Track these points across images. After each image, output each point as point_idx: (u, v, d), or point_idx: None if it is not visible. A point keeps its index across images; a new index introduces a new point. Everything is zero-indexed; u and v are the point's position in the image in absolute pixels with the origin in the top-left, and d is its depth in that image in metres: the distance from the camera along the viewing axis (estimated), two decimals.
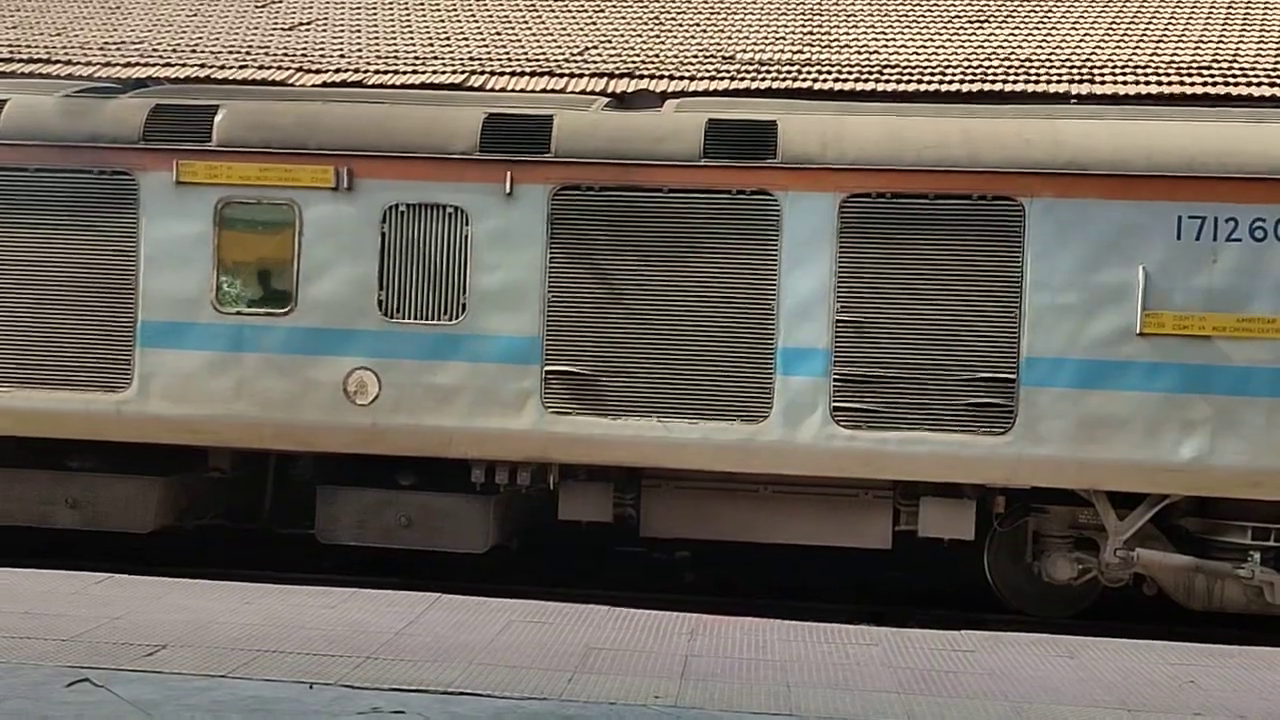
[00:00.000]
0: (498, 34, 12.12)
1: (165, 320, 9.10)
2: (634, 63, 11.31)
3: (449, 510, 9.22)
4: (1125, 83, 10.70)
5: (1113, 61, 11.12)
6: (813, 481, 9.02)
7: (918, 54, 11.44)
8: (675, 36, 11.97)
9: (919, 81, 10.85)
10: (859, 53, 11.52)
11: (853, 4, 12.78)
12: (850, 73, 11.04)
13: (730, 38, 11.93)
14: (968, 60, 11.26)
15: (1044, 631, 8.58)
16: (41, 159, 9.17)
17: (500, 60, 11.46)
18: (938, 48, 11.57)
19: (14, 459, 9.46)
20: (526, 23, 12.45)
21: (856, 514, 9.13)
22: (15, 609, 5.46)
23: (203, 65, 11.33)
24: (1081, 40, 11.63)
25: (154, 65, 11.28)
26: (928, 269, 8.68)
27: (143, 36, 12.07)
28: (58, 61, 11.37)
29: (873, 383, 8.70)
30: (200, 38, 12.08)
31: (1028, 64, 11.13)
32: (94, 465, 9.43)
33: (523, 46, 11.78)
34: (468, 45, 11.86)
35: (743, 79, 10.95)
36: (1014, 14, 12.37)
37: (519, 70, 11.21)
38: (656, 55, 11.51)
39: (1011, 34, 11.88)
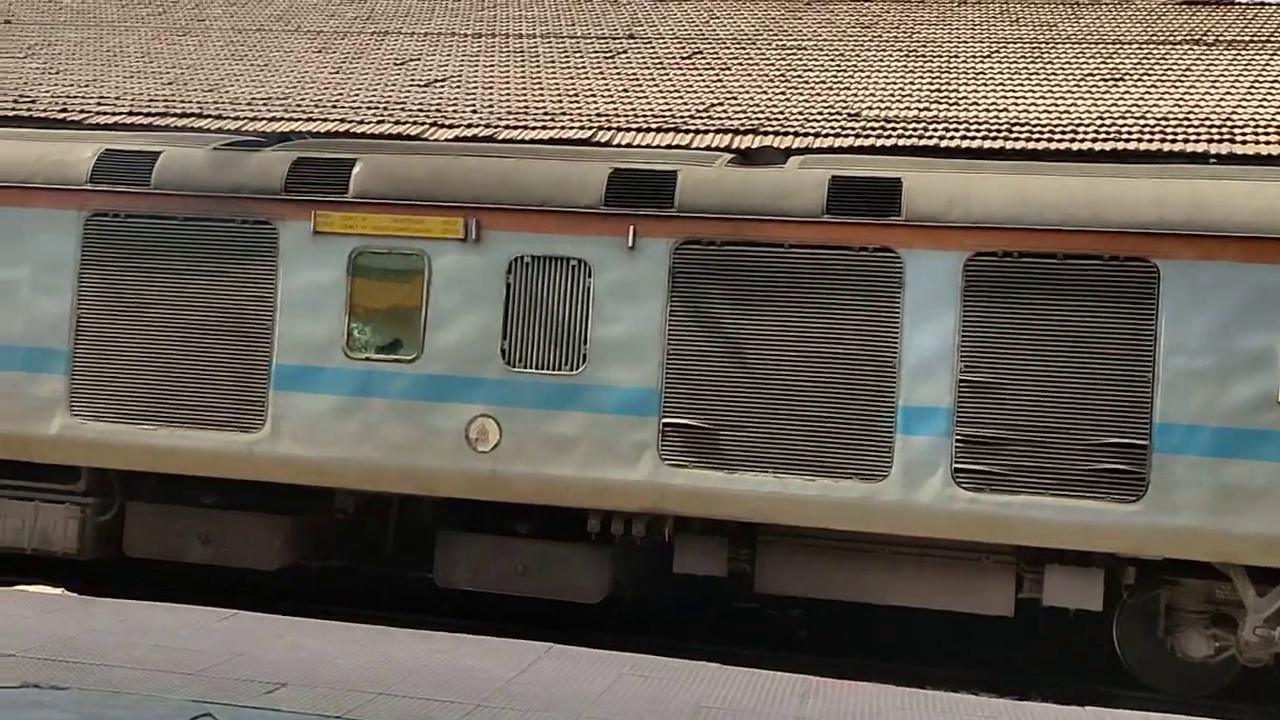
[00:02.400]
0: (625, 91, 12.32)
1: (298, 364, 9.42)
2: (758, 119, 11.38)
3: (565, 559, 9.28)
4: (1268, 142, 10.34)
5: (1254, 121, 10.76)
6: (932, 544, 8.82)
7: (1048, 112, 11.25)
8: (800, 93, 12.01)
9: (1049, 140, 10.66)
10: (987, 110, 11.39)
11: (981, 62, 12.66)
12: (978, 130, 10.92)
13: (855, 94, 11.91)
14: (1100, 119, 11.03)
15: (1173, 711, 8.20)
16: (190, 208, 9.62)
17: (627, 116, 11.65)
18: (1069, 106, 11.36)
19: (150, 495, 9.86)
20: (653, 80, 12.64)
21: (977, 579, 8.89)
22: (145, 641, 5.67)
23: (343, 120, 11.78)
24: (1221, 100, 11.29)
25: (297, 120, 11.77)
26: (1055, 330, 8.47)
27: (288, 92, 12.62)
28: (209, 116, 11.95)
29: (996, 444, 8.50)
30: (341, 93, 12.57)
31: (1164, 122, 10.85)
32: (224, 503, 9.76)
33: (649, 103, 11.96)
34: (595, 101, 12.09)
35: (867, 135, 10.92)
36: (1150, 72, 12.08)
37: (645, 126, 11.37)
38: (781, 112, 11.56)
39: (1147, 92, 11.60)
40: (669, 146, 10.78)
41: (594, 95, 12.28)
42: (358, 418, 9.28)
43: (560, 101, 12.15)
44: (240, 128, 11.53)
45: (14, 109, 12.42)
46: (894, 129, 11.08)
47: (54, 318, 9.71)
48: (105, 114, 12.08)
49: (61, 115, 12.12)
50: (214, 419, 9.47)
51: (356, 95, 12.53)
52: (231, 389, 9.48)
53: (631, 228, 9.04)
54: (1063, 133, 10.77)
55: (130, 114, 12.01)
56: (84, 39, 14.64)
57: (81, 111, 12.19)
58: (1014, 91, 11.82)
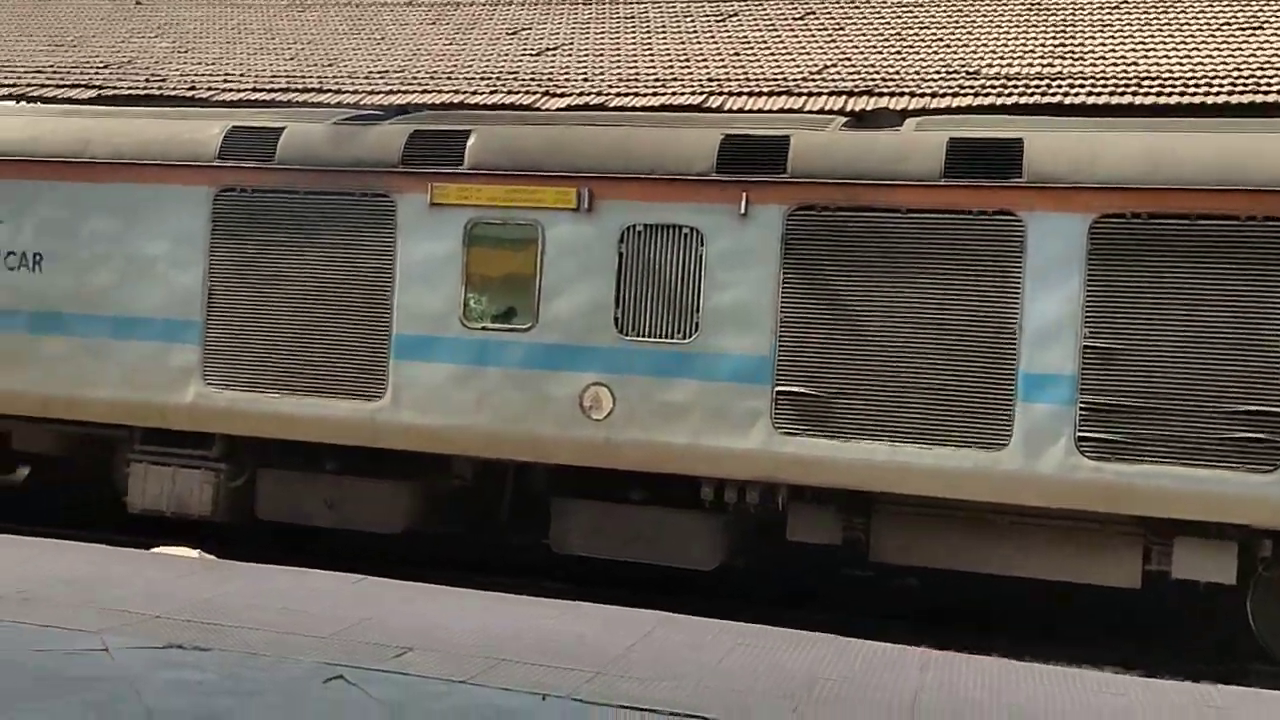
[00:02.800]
0: (736, 55, 12.21)
1: (417, 334, 9.61)
2: (873, 80, 11.17)
3: (678, 526, 9.33)
4: None
5: None
6: (1055, 514, 8.63)
7: (1180, 64, 10.80)
8: (916, 52, 11.74)
9: (1181, 94, 10.24)
10: (1115, 64, 10.98)
11: (1109, 13, 12.19)
12: (1104, 86, 10.54)
13: (975, 52, 11.60)
14: (1237, 70, 10.54)
15: None
16: (312, 182, 9.86)
17: (738, 80, 11.55)
18: (1204, 58, 10.87)
19: (279, 461, 10.20)
20: (765, 43, 12.49)
21: (1102, 550, 8.66)
22: (277, 605, 5.90)
23: (457, 91, 11.94)
24: None
25: (413, 92, 11.97)
26: (1186, 294, 8.16)
27: (404, 65, 12.82)
28: (328, 90, 12.22)
29: (1123, 412, 8.25)
30: (455, 65, 12.72)
31: None
32: (347, 469, 10.05)
33: (761, 66, 11.83)
34: (707, 66, 12.01)
35: (987, 95, 10.63)
36: None
37: (757, 90, 11.27)
38: (896, 72, 11.31)
39: None
40: (781, 110, 10.66)
41: (705, 60, 12.20)
42: (474, 386, 9.45)
43: (671, 67, 12.10)
44: (359, 101, 11.77)
45: (145, 88, 12.88)
46: (1015, 87, 10.77)
47: (188, 290, 10.07)
48: (231, 91, 12.46)
49: (190, 93, 12.52)
50: (338, 387, 9.73)
51: (470, 66, 12.66)
52: (354, 358, 9.73)
53: (744, 194, 8.98)
54: (1196, 86, 10.33)
55: (254, 90, 12.36)
56: (209, 17, 15.07)
57: (209, 89, 12.58)
58: (1143, 44, 11.37)
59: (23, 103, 13.10)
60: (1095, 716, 4.93)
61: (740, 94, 11.21)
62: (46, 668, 4.27)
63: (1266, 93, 10.05)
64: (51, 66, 13.73)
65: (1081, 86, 10.59)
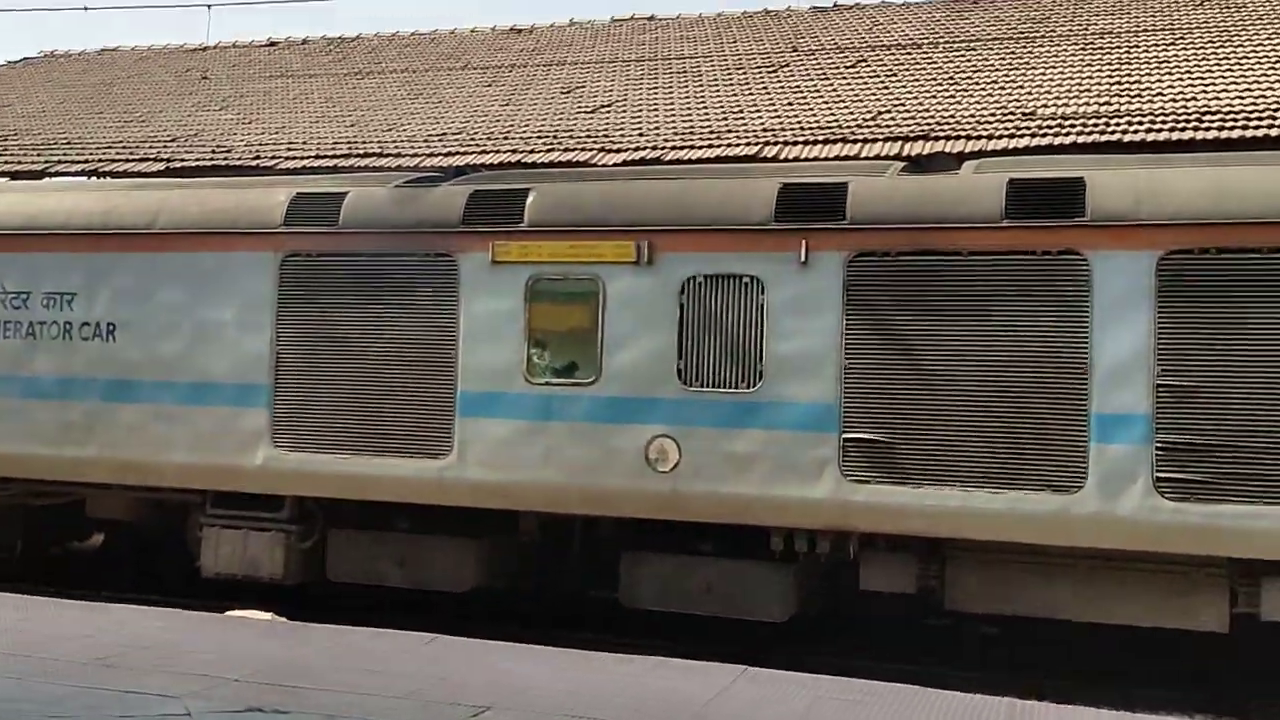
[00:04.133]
0: (789, 104, 12.27)
1: (482, 390, 9.67)
2: (929, 124, 11.16)
3: (749, 577, 9.23)
4: None
5: None
6: (1135, 557, 8.42)
7: (1240, 98, 10.67)
8: (971, 96, 11.72)
9: (1244, 128, 10.11)
10: (1173, 100, 10.88)
11: (1164, 50, 12.10)
12: (1164, 122, 10.44)
13: (1030, 93, 11.56)
14: None
15: None
16: (376, 244, 10.01)
17: (793, 129, 11.60)
18: (1264, 90, 10.74)
19: (348, 521, 10.27)
20: (818, 91, 12.55)
21: (1186, 593, 8.44)
22: (354, 665, 5.90)
23: (514, 150, 12.11)
24: None
25: (472, 153, 12.16)
26: (1261, 328, 8.00)
27: (461, 127, 13.03)
28: (389, 154, 12.45)
29: (1202, 451, 8.07)
30: (512, 125, 12.92)
31: None
32: (417, 527, 10.08)
33: (814, 115, 11.87)
34: (760, 116, 12.08)
35: (1044, 135, 10.58)
36: None
37: (812, 139, 11.30)
38: (952, 115, 11.30)
39: None
40: (838, 158, 10.67)
41: (759, 110, 12.27)
42: (540, 441, 9.46)
43: (725, 119, 12.18)
44: (419, 164, 11.98)
45: (211, 159, 13.21)
46: (1072, 126, 10.71)
47: (256, 354, 10.23)
48: (294, 159, 12.73)
49: (255, 162, 12.82)
50: (405, 446, 9.79)
51: (526, 125, 12.85)
52: (420, 416, 9.80)
53: (804, 242, 8.97)
54: (1260, 118, 10.20)
55: (317, 157, 12.62)
56: (271, 89, 15.47)
57: (273, 158, 12.87)
58: (1201, 79, 11.26)
59: (94, 178, 13.49)
60: None
61: (795, 143, 11.25)
62: None
63: None
64: (121, 142, 14.14)
65: (1140, 123, 10.50)
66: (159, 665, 5.66)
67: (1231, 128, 10.17)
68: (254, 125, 14.12)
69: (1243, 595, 8.36)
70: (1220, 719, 8.15)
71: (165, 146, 13.78)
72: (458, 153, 12.21)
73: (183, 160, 13.18)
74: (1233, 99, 10.70)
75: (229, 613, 9.16)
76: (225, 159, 13.08)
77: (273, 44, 17.65)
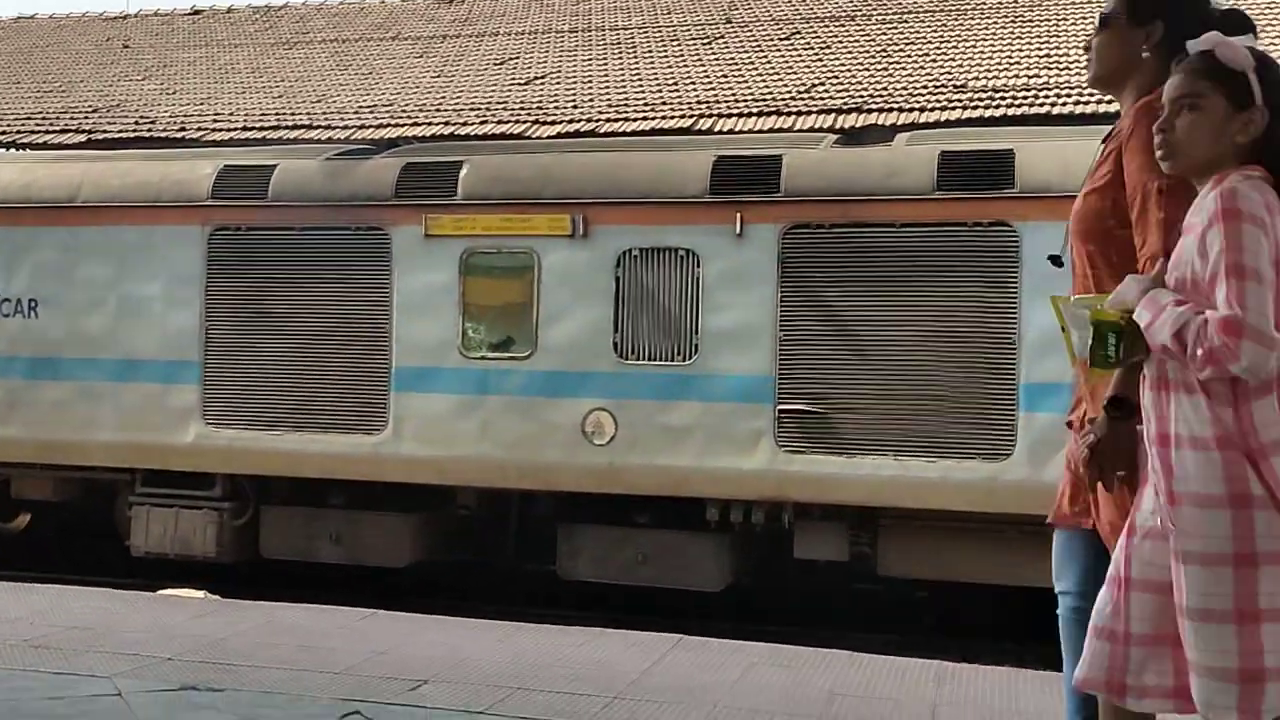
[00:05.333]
0: (724, 76, 12.28)
1: (416, 366, 9.61)
2: (862, 97, 11.24)
3: (685, 548, 9.31)
4: None
5: None
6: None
7: None
8: (904, 68, 11.82)
9: None
10: None
11: (1092, 23, 12.28)
12: (1092, 95, 10.61)
13: (961, 66, 11.68)
14: None
15: None
16: (306, 218, 9.87)
17: (728, 101, 11.61)
18: None
19: (282, 498, 10.18)
20: (752, 64, 12.57)
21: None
22: (290, 641, 5.86)
23: (447, 123, 11.98)
24: None
25: (404, 125, 12.01)
26: None
27: (393, 99, 12.87)
28: (319, 126, 12.26)
29: None
30: (444, 96, 12.78)
31: None
32: (352, 503, 10.02)
33: (749, 88, 11.90)
34: (695, 89, 12.08)
35: (976, 107, 10.70)
36: (1275, 20, 11.60)
37: (746, 111, 11.33)
38: (885, 88, 11.39)
39: (1270, 45, 11.13)
40: (772, 130, 10.72)
41: (693, 83, 12.27)
42: (476, 416, 9.44)
43: (660, 91, 12.16)
44: (350, 136, 11.81)
45: (135, 130, 12.90)
46: (1002, 99, 10.84)
47: (185, 330, 10.06)
48: (221, 130, 12.48)
49: (180, 134, 12.55)
50: (339, 422, 9.71)
51: (459, 97, 12.72)
52: (354, 392, 9.72)
53: (739, 215, 9.01)
54: None
55: (244, 129, 12.39)
56: (196, 59, 15.14)
57: (199, 129, 12.60)
58: None
59: (12, 150, 13.13)
60: None
61: (730, 115, 11.27)
62: (60, 715, 4.24)
63: None
64: (40, 113, 13.76)
65: (1069, 96, 10.66)
66: (89, 646, 5.58)
67: None
68: (178, 96, 13.82)
69: None
70: None
71: (86, 118, 13.43)
72: (389, 125, 12.06)
73: (105, 131, 12.87)
74: None
75: (161, 592, 9.03)
76: (149, 130, 12.79)
77: (197, 12, 17.26)
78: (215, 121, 12.80)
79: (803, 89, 11.64)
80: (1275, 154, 2.75)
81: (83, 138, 12.81)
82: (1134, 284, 2.83)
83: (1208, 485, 2.62)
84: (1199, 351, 2.60)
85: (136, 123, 13.07)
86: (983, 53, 11.91)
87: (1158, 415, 2.75)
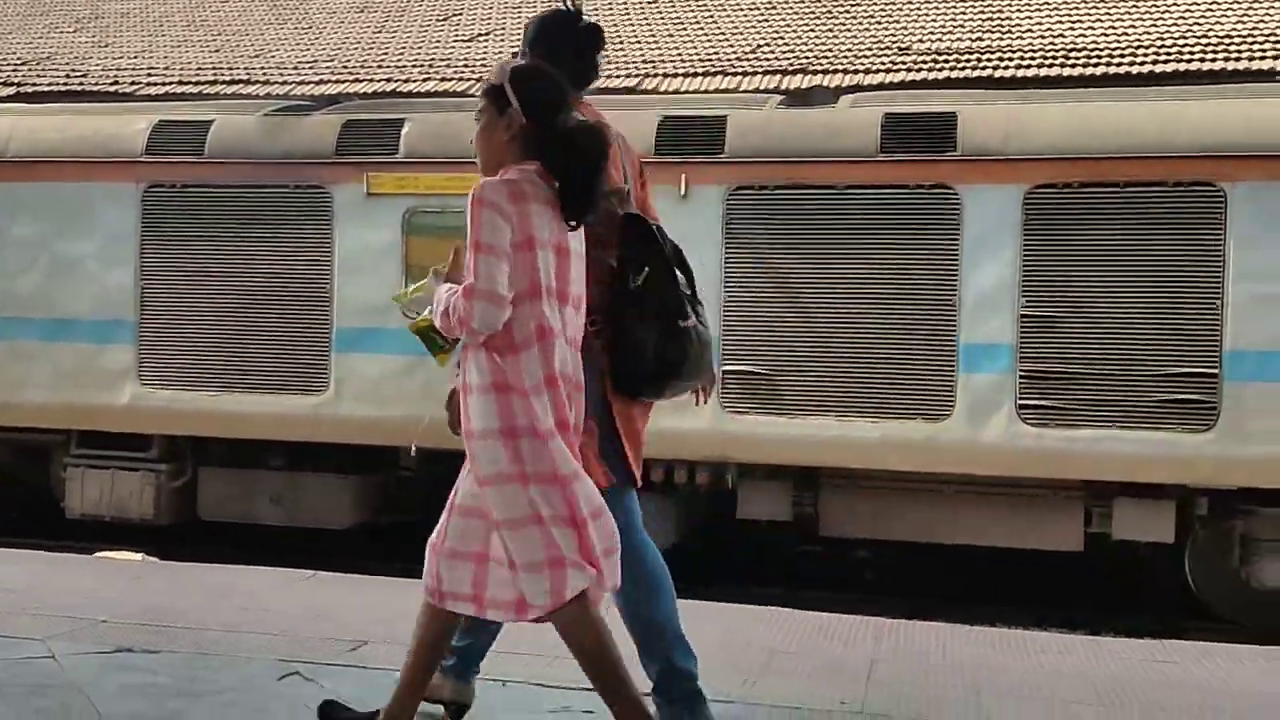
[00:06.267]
0: (670, 35, 12.20)
1: (358, 326, 9.51)
2: (807, 58, 11.23)
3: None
4: None
5: None
6: (999, 482, 8.77)
7: (1105, 35, 10.98)
8: (849, 30, 11.82)
9: (1108, 64, 10.41)
10: (1042, 37, 11.14)
11: None
12: (1033, 58, 10.69)
13: (906, 28, 11.70)
14: (1160, 40, 10.74)
15: (1252, 641, 8.12)
16: (244, 175, 9.70)
17: (674, 61, 11.54)
18: (1128, 28, 11.07)
19: (220, 460, 10.06)
20: (698, 23, 12.50)
21: (1045, 515, 8.83)
22: (229, 603, 5.81)
23: (389, 80, 11.80)
24: None
25: (345, 81, 11.80)
26: (1120, 260, 8.32)
27: (334, 54, 12.64)
28: (256, 82, 12.02)
29: (1063, 379, 8.40)
30: (387, 53, 12.57)
31: (1227, 41, 10.55)
32: (292, 465, 9.92)
33: (695, 47, 11.83)
34: (640, 49, 11.98)
35: (919, 70, 10.74)
36: None
37: (692, 71, 11.27)
38: (830, 50, 11.39)
39: (1208, 9, 11.28)
40: (718, 91, 10.68)
41: (639, 42, 12.18)
42: (418, 377, 9.36)
43: (605, 50, 12.05)
44: (289, 92, 11.60)
45: (66, 84, 12.57)
46: (946, 61, 10.89)
47: (120, 289, 9.87)
48: (156, 84, 12.20)
49: (113, 88, 12.24)
50: (278, 383, 9.60)
51: (401, 54, 12.52)
52: (294, 352, 9.61)
53: (683, 176, 8.98)
54: (1122, 56, 10.51)
55: (180, 83, 12.12)
56: (129, 10, 14.75)
57: (132, 83, 12.30)
58: (1070, 15, 11.54)
59: None
60: (1048, 674, 5.03)
61: (676, 75, 11.21)
62: None
63: (1189, 60, 10.25)
64: None
65: (1011, 59, 10.73)
66: (22, 608, 5.48)
67: (1096, 64, 10.46)
68: (111, 49, 13.47)
69: (1097, 515, 8.78)
70: (1074, 632, 8.57)
71: (15, 70, 13.05)
72: (329, 80, 11.84)
73: (34, 85, 12.51)
74: (1098, 36, 11.00)
75: (97, 554, 8.91)
76: (81, 84, 12.45)
77: None
78: (150, 76, 12.50)
79: (748, 49, 11.60)
80: (539, 150, 3.41)
81: (11, 91, 12.45)
82: (433, 277, 3.57)
83: (488, 421, 3.32)
84: (455, 317, 3.29)
85: (68, 76, 12.73)
86: (927, 15, 11.94)
87: (463, 371, 3.41)
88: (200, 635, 5.12)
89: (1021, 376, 8.46)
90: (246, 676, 4.52)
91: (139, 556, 8.89)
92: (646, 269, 3.55)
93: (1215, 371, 8.17)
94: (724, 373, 8.87)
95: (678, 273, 3.66)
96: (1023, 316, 8.46)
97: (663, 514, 9.31)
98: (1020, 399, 8.46)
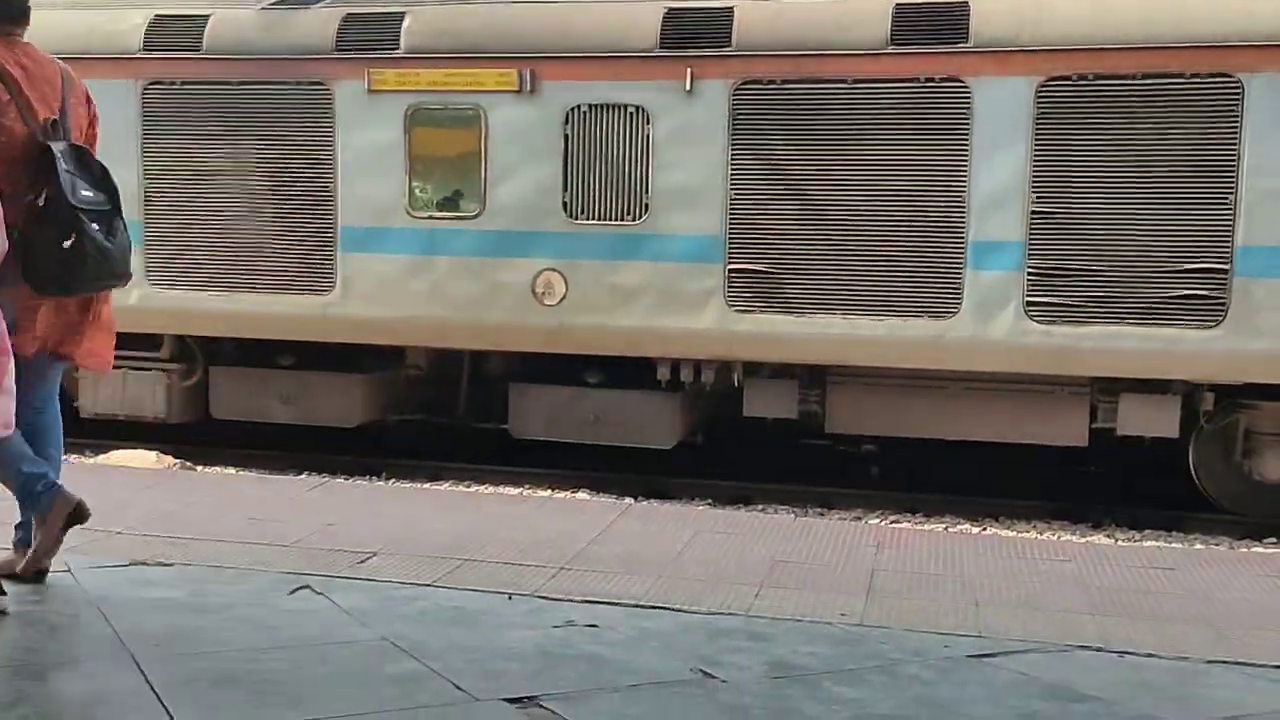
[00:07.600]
0: None
1: (363, 226, 9.46)
2: None
3: (635, 407, 9.42)
4: None
5: None
6: (1005, 378, 8.79)
7: None
8: None
9: None
10: None
11: None
12: None
13: None
14: None
15: (1253, 536, 8.24)
16: (244, 72, 9.54)
17: None
18: None
19: (230, 359, 10.13)
20: None
21: (1050, 411, 8.88)
22: (240, 514, 5.91)
23: None
24: None
25: None
26: (1132, 154, 8.19)
27: None
28: None
29: (1071, 276, 8.35)
30: None
31: None
32: (301, 364, 10.00)
33: None
34: None
35: None
36: None
37: None
38: None
39: None
40: None
41: None
42: (425, 277, 9.36)
43: None
44: None
45: None
46: None
47: (122, 187, 9.74)
48: None
49: None
50: (285, 283, 9.61)
51: None
52: (300, 252, 9.59)
53: (689, 70, 8.81)
54: None
55: None
56: None
57: None
58: None
59: None
60: (1047, 581, 5.11)
61: None
62: (7, 593, 4.27)
63: None
64: None
65: None
66: None
67: None
68: None
69: (1103, 411, 8.82)
70: (1074, 525, 8.71)
71: None
72: None
73: None
74: None
75: (114, 453, 9.05)
76: None
77: None
78: None
79: None
80: None
81: None
82: None
83: None
84: None
85: None
86: None
87: None
88: (212, 547, 5.23)
89: (1030, 273, 8.41)
90: (258, 590, 4.62)
91: (154, 455, 9.02)
92: (44, 191, 4.25)
93: (1226, 267, 8.10)
94: (730, 271, 8.84)
95: (88, 192, 4.35)
96: (1033, 214, 8.37)
97: (669, 412, 9.41)
98: (1028, 296, 8.42)
